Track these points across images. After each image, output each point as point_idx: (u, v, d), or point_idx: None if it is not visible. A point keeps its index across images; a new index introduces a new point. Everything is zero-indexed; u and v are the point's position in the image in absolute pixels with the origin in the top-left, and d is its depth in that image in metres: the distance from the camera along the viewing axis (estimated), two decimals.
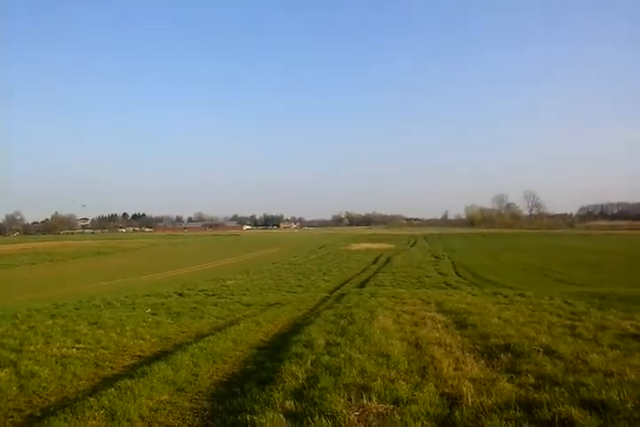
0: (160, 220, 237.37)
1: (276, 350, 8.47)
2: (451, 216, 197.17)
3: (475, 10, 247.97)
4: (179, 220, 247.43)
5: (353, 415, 4.85)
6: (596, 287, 22.72)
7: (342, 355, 7.13)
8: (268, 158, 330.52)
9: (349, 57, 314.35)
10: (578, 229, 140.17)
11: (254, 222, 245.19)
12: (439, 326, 9.87)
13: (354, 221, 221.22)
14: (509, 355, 7.06)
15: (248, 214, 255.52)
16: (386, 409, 5.03)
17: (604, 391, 5.15)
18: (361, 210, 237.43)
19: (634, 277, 30.75)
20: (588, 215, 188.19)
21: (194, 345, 8.64)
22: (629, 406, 4.74)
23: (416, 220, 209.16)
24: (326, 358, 7.06)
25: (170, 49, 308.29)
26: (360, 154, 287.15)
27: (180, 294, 24.15)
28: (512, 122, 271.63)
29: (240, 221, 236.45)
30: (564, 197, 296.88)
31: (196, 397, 6.10)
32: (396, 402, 5.21)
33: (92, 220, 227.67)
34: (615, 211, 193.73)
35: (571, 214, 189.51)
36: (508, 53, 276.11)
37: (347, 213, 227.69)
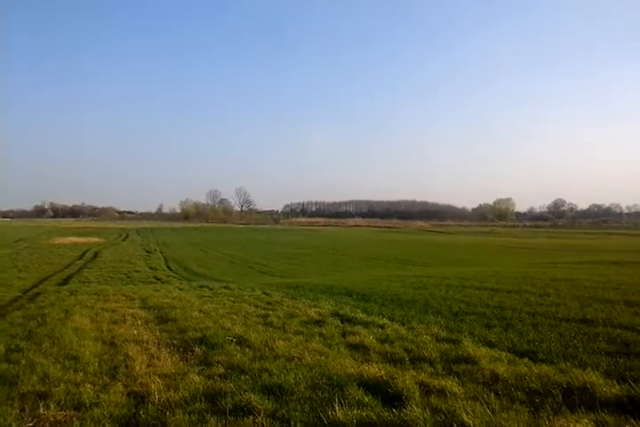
0: None
1: None
2: (166, 210, 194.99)
3: None
4: None
5: None
6: (293, 278, 24.95)
7: (24, 361, 6.52)
8: None
9: None
10: (282, 224, 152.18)
11: None
12: (139, 322, 9.63)
13: (59, 212, 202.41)
14: (204, 347, 7.23)
15: None
16: (65, 416, 4.67)
17: (282, 376, 5.58)
18: (68, 200, 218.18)
19: (323, 267, 34.82)
20: (291, 212, 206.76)
21: None
22: (302, 387, 5.23)
23: (129, 213, 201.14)
24: (3, 366, 6.33)
25: None
26: (67, 137, 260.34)
27: None
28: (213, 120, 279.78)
29: None
30: (271, 195, 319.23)
31: None
32: (78, 407, 4.90)
33: None
34: (314, 209, 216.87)
35: (277, 211, 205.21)
36: None
37: (51, 203, 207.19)
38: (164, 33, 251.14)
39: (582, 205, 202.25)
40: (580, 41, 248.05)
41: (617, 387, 4.95)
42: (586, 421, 4.13)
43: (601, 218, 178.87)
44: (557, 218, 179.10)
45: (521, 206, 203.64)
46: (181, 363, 6.51)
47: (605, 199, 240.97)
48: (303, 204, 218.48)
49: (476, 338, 7.45)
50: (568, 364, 5.87)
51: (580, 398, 4.75)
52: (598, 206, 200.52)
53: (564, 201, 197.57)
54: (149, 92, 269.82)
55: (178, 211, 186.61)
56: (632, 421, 4.15)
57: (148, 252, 50.27)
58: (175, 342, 7.78)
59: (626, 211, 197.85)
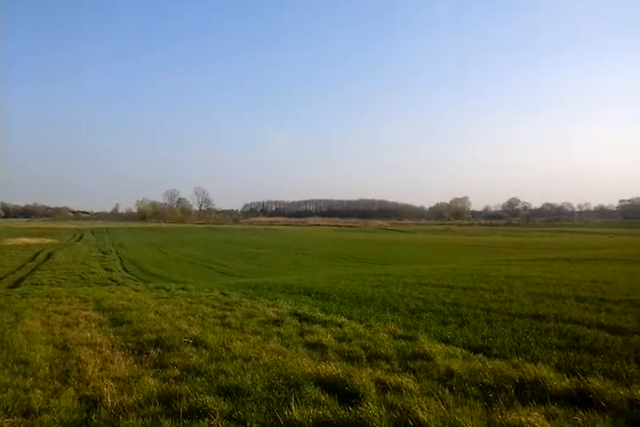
0: None
1: None
2: (122, 210, 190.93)
3: None
4: None
5: None
6: (252, 278, 24.81)
7: None
8: None
9: None
10: (242, 224, 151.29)
11: None
12: (93, 325, 9.43)
13: (11, 212, 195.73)
14: (159, 349, 7.11)
15: None
16: (13, 424, 4.53)
17: (239, 377, 5.53)
18: (20, 200, 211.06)
19: (282, 267, 34.77)
20: (250, 211, 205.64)
21: None
22: (259, 387, 5.20)
23: (84, 213, 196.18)
24: None
25: None
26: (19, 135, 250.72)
27: None
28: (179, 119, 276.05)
29: None
30: (230, 195, 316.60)
31: None
32: (26, 414, 4.77)
33: None
34: (274, 208, 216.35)
35: (236, 210, 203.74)
36: None
37: (2, 203, 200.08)
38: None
39: (536, 203, 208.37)
40: (509, 44, 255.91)
41: (567, 380, 5.09)
42: (537, 414, 4.22)
43: (554, 216, 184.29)
44: (512, 216, 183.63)
45: (477, 205, 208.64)
46: (136, 366, 6.38)
47: (558, 198, 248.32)
48: (263, 203, 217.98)
49: (432, 335, 7.55)
50: (521, 359, 6.00)
51: (532, 392, 4.87)
52: (551, 205, 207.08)
53: (519, 200, 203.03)
54: (108, 89, 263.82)
55: (134, 211, 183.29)
56: (580, 412, 4.27)
57: (103, 253, 49.31)
58: (130, 344, 7.62)
59: (577, 209, 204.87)
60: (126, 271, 34.11)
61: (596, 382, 4.88)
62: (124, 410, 4.73)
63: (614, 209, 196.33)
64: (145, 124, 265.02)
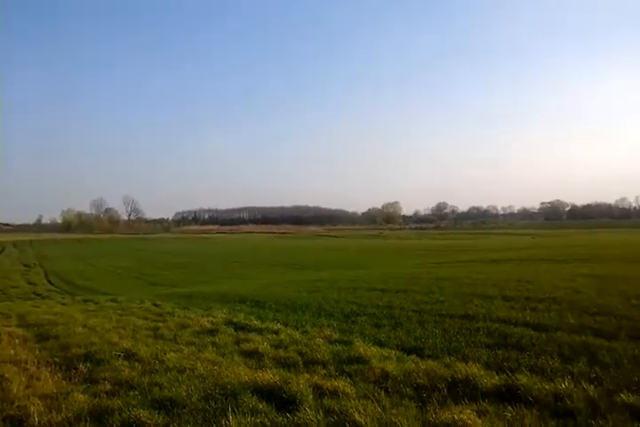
0: None
1: None
2: (46, 221, 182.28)
3: None
4: None
5: None
6: (184, 287, 24.35)
7: None
8: None
9: None
10: (173, 233, 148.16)
11: None
12: (17, 341, 8.95)
13: None
14: (89, 364, 6.83)
15: None
16: None
17: (174, 389, 5.40)
18: None
19: (216, 275, 34.32)
20: (182, 220, 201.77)
21: None
22: (194, 398, 5.10)
23: (6, 225, 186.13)
24: None
25: None
26: None
27: None
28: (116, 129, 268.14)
29: None
30: (161, 203, 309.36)
31: None
32: None
33: None
34: (206, 216, 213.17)
35: (167, 219, 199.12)
36: None
37: None
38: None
39: (463, 207, 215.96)
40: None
41: (496, 377, 5.28)
42: (469, 411, 4.37)
43: (480, 219, 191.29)
44: (440, 220, 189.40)
45: (407, 210, 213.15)
46: (64, 382, 6.11)
47: (483, 202, 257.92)
48: (195, 211, 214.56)
49: (367, 338, 7.65)
50: (452, 358, 6.18)
51: (464, 390, 5.02)
52: (477, 208, 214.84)
53: (447, 204, 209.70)
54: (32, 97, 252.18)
55: (59, 221, 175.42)
56: (510, 408, 4.45)
57: (26, 266, 47.18)
58: (57, 360, 7.28)
59: (501, 212, 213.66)
60: (51, 284, 32.83)
61: (523, 379, 5.10)
62: None
63: (536, 211, 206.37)
64: (74, 131, 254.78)
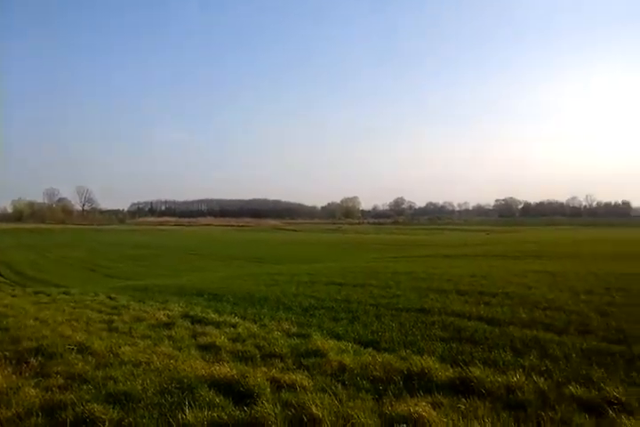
0: None
1: None
2: None
3: None
4: None
5: None
6: (140, 280, 23.96)
7: None
8: None
9: None
10: (129, 224, 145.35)
11: None
12: None
13: None
14: (40, 357, 6.65)
15: None
16: None
17: (129, 383, 5.31)
18: None
19: (174, 268, 33.90)
20: (138, 211, 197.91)
21: None
22: (150, 393, 5.03)
23: None
24: None
25: None
26: None
27: None
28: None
29: None
30: (116, 194, 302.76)
31: None
32: None
33: None
34: (163, 208, 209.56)
35: (123, 210, 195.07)
36: None
37: None
38: None
39: (420, 203, 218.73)
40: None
41: (451, 370, 5.41)
42: (424, 403, 4.45)
43: (436, 215, 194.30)
44: (398, 215, 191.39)
45: (366, 205, 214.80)
46: (14, 376, 5.94)
47: (440, 198, 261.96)
48: (152, 202, 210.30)
49: (325, 331, 7.71)
50: (408, 351, 6.28)
51: (419, 383, 5.12)
52: (434, 204, 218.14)
53: (404, 199, 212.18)
54: None
55: (9, 211, 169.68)
56: (463, 400, 4.56)
57: None
58: (7, 353, 7.04)
59: (457, 208, 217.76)
60: (1, 276, 31.74)
61: (476, 371, 5.23)
62: (1, 424, 4.41)
63: (491, 208, 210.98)
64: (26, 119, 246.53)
